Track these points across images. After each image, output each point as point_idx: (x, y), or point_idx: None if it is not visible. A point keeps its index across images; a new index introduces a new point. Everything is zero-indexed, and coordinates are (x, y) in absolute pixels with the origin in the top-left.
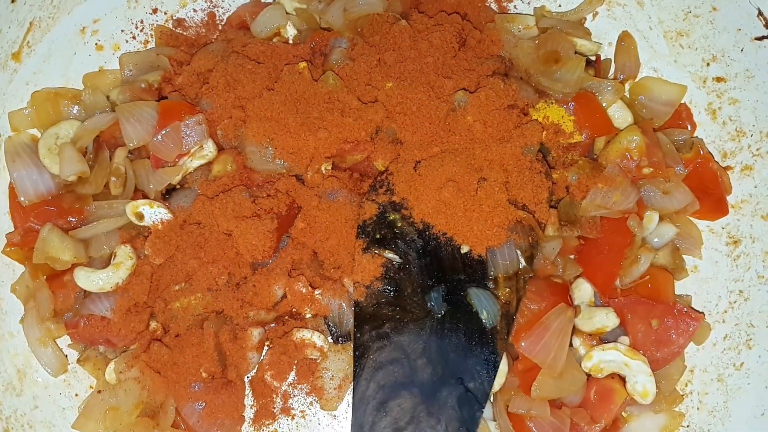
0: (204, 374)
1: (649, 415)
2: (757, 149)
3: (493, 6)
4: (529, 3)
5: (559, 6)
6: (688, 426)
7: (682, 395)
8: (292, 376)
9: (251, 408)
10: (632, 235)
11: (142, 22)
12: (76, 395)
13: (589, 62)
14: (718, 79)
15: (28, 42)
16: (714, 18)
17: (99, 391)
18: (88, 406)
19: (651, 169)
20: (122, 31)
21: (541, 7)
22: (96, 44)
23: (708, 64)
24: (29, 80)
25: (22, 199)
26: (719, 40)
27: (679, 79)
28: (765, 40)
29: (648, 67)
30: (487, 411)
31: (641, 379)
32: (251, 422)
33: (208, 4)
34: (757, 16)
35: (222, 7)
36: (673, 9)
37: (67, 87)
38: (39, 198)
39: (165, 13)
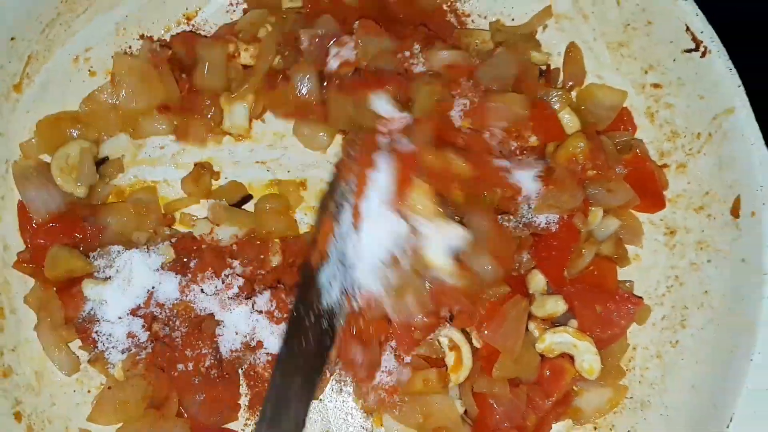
0: (203, 369)
1: (597, 389)
2: (690, 149)
3: (453, 20)
4: (485, 17)
5: (512, 20)
6: (631, 398)
7: (626, 370)
8: None
9: (245, 396)
10: (578, 231)
11: (130, 47)
12: (89, 392)
13: (540, 72)
14: (655, 86)
15: (27, 74)
16: (650, 31)
17: (109, 388)
18: (100, 401)
19: (595, 172)
20: (112, 57)
21: (495, 21)
22: (89, 71)
23: (646, 72)
24: (30, 108)
25: (35, 218)
26: (655, 51)
27: (621, 86)
28: (693, 53)
29: (593, 74)
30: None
31: (588, 358)
32: (246, 409)
33: (191, 27)
34: (686, 31)
35: (204, 30)
36: (614, 22)
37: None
38: (50, 216)
39: (151, 39)
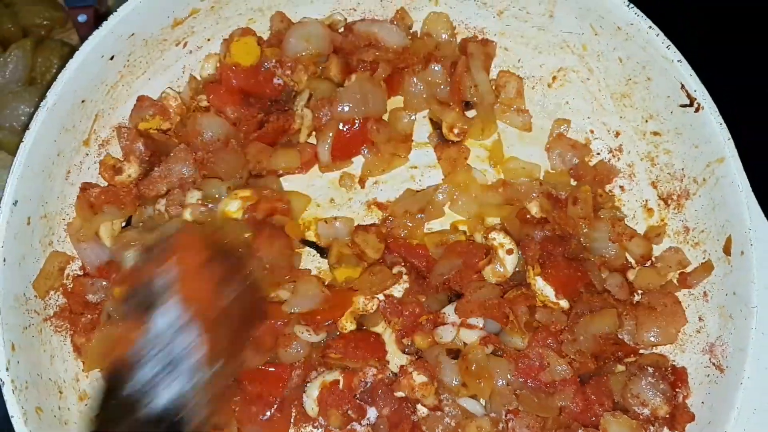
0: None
1: None
2: (687, 191)
3: None
4: None
5: None
6: None
7: None
8: None
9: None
10: None
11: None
12: None
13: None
14: (655, 134)
15: (95, 130)
16: (649, 86)
17: None
18: None
19: None
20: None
21: None
22: None
23: (646, 121)
24: (96, 160)
25: (90, 269)
26: (654, 103)
27: (624, 130)
28: (687, 107)
29: (597, 121)
30: None
31: None
32: (292, 425)
33: None
34: (680, 89)
35: None
36: (617, 76)
37: None
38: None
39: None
